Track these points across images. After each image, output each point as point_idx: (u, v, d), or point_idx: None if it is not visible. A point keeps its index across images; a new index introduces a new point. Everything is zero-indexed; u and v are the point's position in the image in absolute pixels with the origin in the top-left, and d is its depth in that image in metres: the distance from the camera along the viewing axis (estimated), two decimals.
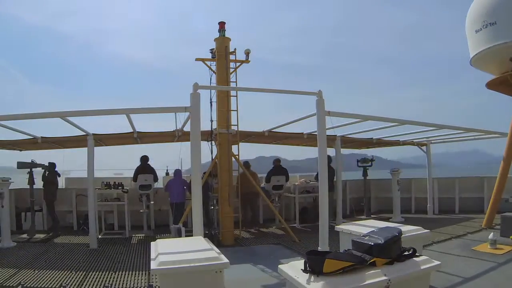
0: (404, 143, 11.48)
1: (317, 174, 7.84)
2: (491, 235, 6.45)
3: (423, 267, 2.99)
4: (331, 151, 9.59)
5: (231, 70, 8.08)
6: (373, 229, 3.46)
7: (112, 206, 9.23)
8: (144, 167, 9.16)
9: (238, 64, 8.20)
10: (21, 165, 8.38)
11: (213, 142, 8.04)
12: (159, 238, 4.96)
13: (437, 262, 3.08)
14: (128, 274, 5.50)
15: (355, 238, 3.26)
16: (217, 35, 8.05)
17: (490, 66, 8.58)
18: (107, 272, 5.58)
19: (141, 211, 9.13)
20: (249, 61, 8.22)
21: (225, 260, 3.29)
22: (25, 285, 4.93)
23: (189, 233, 5.35)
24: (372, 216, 10.43)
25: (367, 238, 3.12)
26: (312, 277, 2.66)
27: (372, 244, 2.95)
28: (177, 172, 9.10)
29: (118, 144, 9.91)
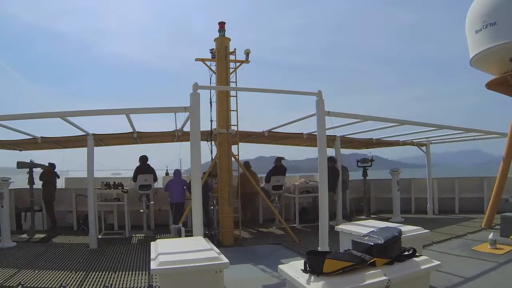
0: (404, 143, 11.47)
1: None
2: (491, 235, 6.45)
3: (423, 267, 3.00)
4: (331, 151, 9.59)
5: (231, 70, 8.07)
6: (373, 229, 3.47)
7: (112, 206, 9.22)
8: (144, 167, 9.15)
9: (238, 64, 8.18)
10: (21, 165, 8.36)
11: (213, 142, 8.02)
12: (159, 238, 4.96)
13: (437, 262, 3.09)
14: (128, 274, 5.50)
15: (355, 238, 3.27)
16: (217, 35, 8.05)
17: (490, 66, 8.58)
18: (107, 272, 5.58)
19: (141, 211, 9.12)
20: (249, 61, 8.21)
21: (225, 260, 3.29)
22: (25, 285, 4.93)
23: (189, 233, 5.35)
24: (372, 216, 10.44)
25: (367, 238, 3.12)
26: (312, 277, 2.67)
27: (372, 244, 2.96)
28: (177, 172, 9.10)
29: (118, 144, 9.90)
